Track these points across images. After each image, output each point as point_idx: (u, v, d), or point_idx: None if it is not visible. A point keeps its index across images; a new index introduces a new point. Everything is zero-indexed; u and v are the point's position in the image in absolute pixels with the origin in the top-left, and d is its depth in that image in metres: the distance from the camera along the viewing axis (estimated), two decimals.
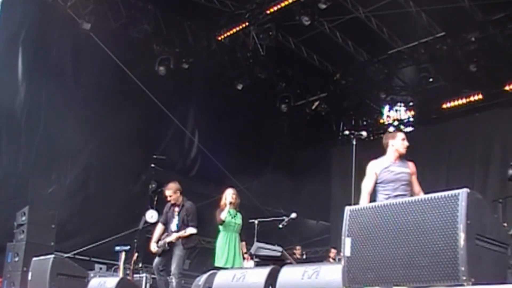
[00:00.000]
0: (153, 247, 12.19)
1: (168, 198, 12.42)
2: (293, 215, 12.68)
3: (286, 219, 12.73)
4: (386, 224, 5.96)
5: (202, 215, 17.19)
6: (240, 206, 13.07)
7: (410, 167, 9.29)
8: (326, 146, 22.12)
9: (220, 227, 12.24)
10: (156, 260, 12.17)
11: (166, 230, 12.23)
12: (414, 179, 9.28)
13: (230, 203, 12.24)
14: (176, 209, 12.24)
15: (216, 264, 11.87)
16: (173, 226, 12.13)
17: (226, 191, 12.57)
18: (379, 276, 5.91)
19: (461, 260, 5.21)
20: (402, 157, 9.31)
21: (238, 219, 12.31)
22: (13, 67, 15.98)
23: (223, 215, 12.13)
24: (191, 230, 12.00)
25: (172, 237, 11.92)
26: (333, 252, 16.65)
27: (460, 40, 16.75)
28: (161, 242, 12.04)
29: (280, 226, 12.82)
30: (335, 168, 21.10)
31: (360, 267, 6.11)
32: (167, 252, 11.97)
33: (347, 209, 6.50)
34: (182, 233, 11.96)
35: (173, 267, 11.72)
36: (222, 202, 12.38)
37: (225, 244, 11.99)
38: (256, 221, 12.83)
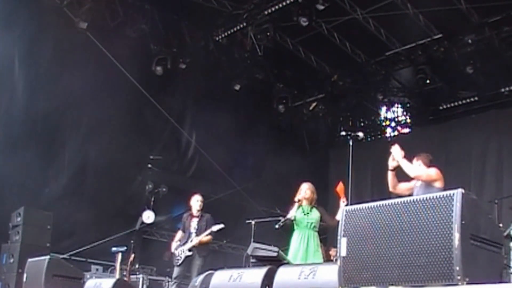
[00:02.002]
0: (174, 247, 12.91)
1: (198, 206, 13.09)
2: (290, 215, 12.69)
3: (282, 219, 12.72)
4: (382, 224, 6.01)
5: None
6: (237, 206, 13.19)
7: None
8: (323, 147, 22.17)
9: (294, 226, 11.56)
10: (177, 271, 12.63)
11: (186, 238, 12.88)
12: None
13: (299, 200, 11.49)
14: (195, 219, 12.92)
15: None
16: (193, 235, 12.75)
17: (301, 186, 11.82)
18: (374, 276, 5.96)
19: (455, 260, 5.26)
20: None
21: (312, 216, 11.45)
22: (9, 65, 15.96)
23: (290, 213, 11.48)
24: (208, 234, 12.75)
25: (194, 241, 12.59)
26: (333, 250, 15.79)
27: (457, 42, 16.82)
28: (179, 250, 12.47)
29: (277, 226, 12.79)
30: (332, 168, 21.16)
31: (356, 267, 6.17)
32: (185, 263, 12.56)
33: (343, 209, 6.61)
34: (202, 237, 12.62)
35: (195, 276, 12.04)
36: (296, 198, 11.67)
37: (297, 243, 11.28)
38: (253, 222, 12.83)
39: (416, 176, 9.29)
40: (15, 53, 15.84)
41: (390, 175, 9.63)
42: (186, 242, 12.83)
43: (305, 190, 11.58)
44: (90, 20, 16.05)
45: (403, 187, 9.65)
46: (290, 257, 10.98)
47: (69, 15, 16.07)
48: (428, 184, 9.26)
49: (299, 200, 11.47)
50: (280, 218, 12.56)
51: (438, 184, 9.29)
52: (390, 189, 9.71)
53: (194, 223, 12.92)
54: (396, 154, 9.39)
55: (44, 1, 15.97)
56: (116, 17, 16.82)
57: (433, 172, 9.38)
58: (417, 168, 9.38)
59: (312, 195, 11.57)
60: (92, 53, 16.13)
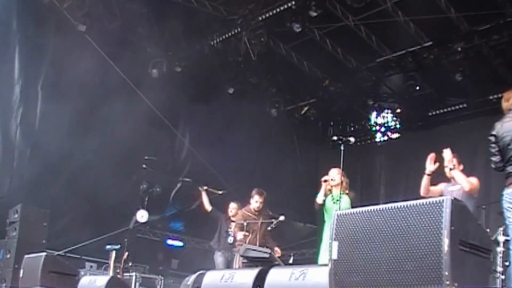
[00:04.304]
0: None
1: (231, 213, 13.85)
2: (282, 217, 12.80)
3: (274, 221, 12.90)
4: (373, 229, 6.09)
5: (192, 216, 17.50)
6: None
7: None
8: (314, 150, 22.26)
9: (325, 216, 10.92)
10: None
11: (219, 240, 13.74)
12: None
13: (325, 180, 10.84)
14: (233, 224, 13.25)
15: (320, 261, 10.49)
16: (230, 239, 13.04)
17: (330, 171, 11.02)
18: (365, 279, 6.03)
19: (445, 265, 5.36)
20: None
21: (342, 204, 10.57)
22: (9, 66, 16.11)
23: (319, 198, 10.85)
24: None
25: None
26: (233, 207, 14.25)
27: (446, 50, 16.93)
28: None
29: (269, 228, 13.00)
30: (322, 172, 21.28)
31: (347, 270, 6.24)
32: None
33: (335, 213, 6.65)
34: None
35: None
36: (323, 178, 10.95)
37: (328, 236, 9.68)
38: (245, 223, 13.04)
39: (470, 189, 9.50)
40: (15, 54, 16.01)
41: (426, 180, 9.75)
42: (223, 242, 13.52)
43: (332, 175, 10.90)
44: (88, 23, 16.24)
45: (434, 191, 9.79)
46: (321, 254, 10.60)
47: (69, 18, 16.27)
48: (470, 194, 9.48)
49: (325, 180, 10.86)
50: (272, 220, 12.79)
51: (476, 195, 9.63)
52: (422, 193, 9.74)
53: (230, 229, 13.26)
54: (447, 160, 9.69)
55: (44, 3, 16.13)
56: (114, 20, 16.96)
57: (477, 184, 9.66)
58: (469, 180, 9.59)
59: (341, 180, 10.85)
60: (90, 55, 16.28)
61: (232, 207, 14.04)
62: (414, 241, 5.69)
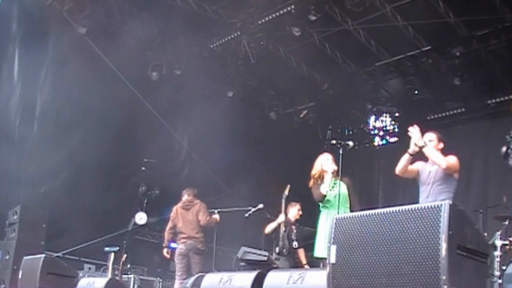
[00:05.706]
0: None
1: (298, 216, 13.42)
2: (260, 205, 12.91)
3: (252, 209, 12.92)
4: (371, 233, 6.10)
5: None
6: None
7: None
8: (312, 154, 22.21)
9: (320, 205, 10.45)
10: None
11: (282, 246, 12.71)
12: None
13: (331, 172, 10.40)
14: (294, 227, 13.08)
15: (316, 254, 10.15)
16: (294, 244, 13.05)
17: (320, 157, 10.77)
18: (363, 283, 6.05)
19: (442, 269, 5.36)
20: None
21: (340, 189, 10.09)
22: (9, 68, 16.15)
23: (324, 188, 10.31)
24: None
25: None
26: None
27: (445, 54, 17.06)
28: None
29: (246, 215, 12.97)
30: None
31: (345, 274, 6.25)
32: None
33: (333, 217, 6.68)
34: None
35: None
36: (314, 172, 10.68)
37: (327, 226, 9.27)
38: (216, 211, 13.29)
39: (447, 167, 8.96)
40: (15, 55, 16.05)
41: (406, 160, 9.20)
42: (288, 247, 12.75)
43: (330, 160, 10.56)
44: (89, 26, 16.30)
45: (411, 170, 9.37)
46: (318, 246, 10.16)
47: (69, 20, 16.30)
48: (449, 175, 9.08)
49: (332, 172, 10.37)
50: (250, 208, 12.78)
51: (456, 176, 9.16)
52: (398, 172, 9.37)
53: (293, 231, 13.00)
54: (416, 138, 9.12)
55: (45, 5, 16.15)
56: (114, 23, 16.96)
57: (457, 162, 9.14)
58: (447, 158, 9.02)
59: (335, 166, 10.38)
60: (90, 57, 16.33)
61: (299, 208, 13.50)
62: (412, 245, 5.70)
